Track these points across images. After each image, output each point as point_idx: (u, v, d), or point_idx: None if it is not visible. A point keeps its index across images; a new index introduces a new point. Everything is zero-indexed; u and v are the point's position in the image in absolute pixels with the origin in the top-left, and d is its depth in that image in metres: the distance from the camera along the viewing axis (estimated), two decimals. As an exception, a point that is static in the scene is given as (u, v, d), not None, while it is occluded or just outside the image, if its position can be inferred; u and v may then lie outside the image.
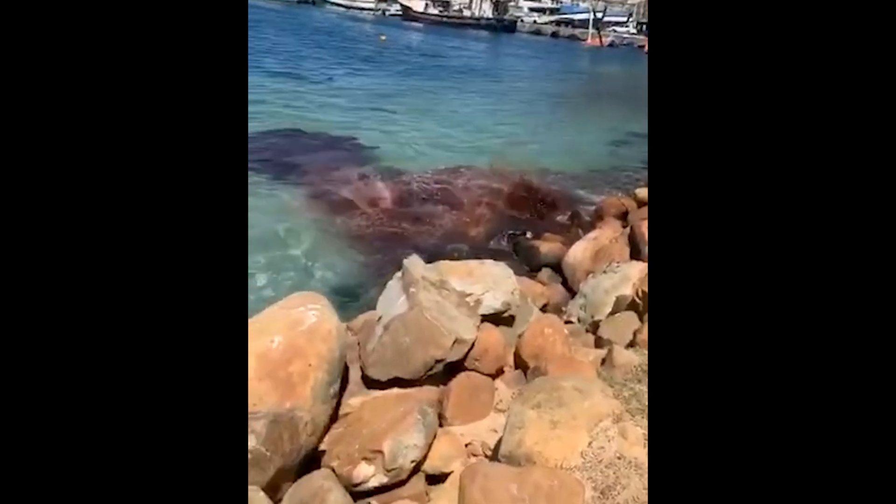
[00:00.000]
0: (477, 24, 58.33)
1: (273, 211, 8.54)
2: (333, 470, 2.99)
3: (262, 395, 3.05)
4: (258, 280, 6.74)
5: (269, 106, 14.84)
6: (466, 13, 61.01)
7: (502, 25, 58.24)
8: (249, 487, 2.43)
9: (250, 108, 13.94)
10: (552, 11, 66.87)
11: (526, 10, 67.42)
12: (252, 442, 2.60)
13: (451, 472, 3.18)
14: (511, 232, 8.63)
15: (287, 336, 3.22)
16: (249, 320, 3.44)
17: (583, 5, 64.40)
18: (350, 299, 6.38)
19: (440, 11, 61.44)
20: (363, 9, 62.96)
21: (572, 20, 62.30)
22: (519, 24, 61.63)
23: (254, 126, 12.55)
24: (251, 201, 8.68)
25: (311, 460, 3.09)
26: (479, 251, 7.53)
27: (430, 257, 5.33)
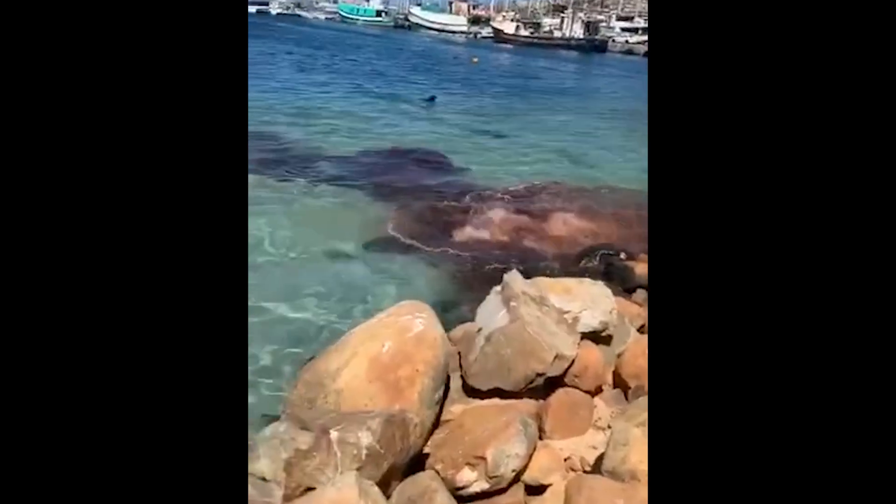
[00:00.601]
0: (567, 44, 57.99)
1: (368, 224, 8.91)
2: (437, 472, 3.10)
3: (372, 396, 3.24)
4: (349, 290, 7.02)
5: (372, 126, 15.64)
6: (557, 34, 60.78)
7: (593, 46, 57.51)
8: (365, 481, 2.58)
9: (355, 130, 14.71)
10: (644, 31, 65.41)
11: (618, 29, 66.34)
12: (368, 439, 2.76)
13: (550, 484, 3.21)
14: (604, 252, 8.51)
15: (396, 342, 3.40)
16: (360, 326, 3.67)
17: (678, 24, 62.45)
18: (441, 312, 6.53)
19: (531, 33, 61.66)
20: (455, 32, 64.44)
21: (667, 39, 60.54)
22: (610, 44, 60.70)
23: (358, 145, 13.23)
24: (350, 214, 9.15)
25: (416, 462, 3.22)
26: (570, 270, 7.49)
27: (523, 274, 5.38)
